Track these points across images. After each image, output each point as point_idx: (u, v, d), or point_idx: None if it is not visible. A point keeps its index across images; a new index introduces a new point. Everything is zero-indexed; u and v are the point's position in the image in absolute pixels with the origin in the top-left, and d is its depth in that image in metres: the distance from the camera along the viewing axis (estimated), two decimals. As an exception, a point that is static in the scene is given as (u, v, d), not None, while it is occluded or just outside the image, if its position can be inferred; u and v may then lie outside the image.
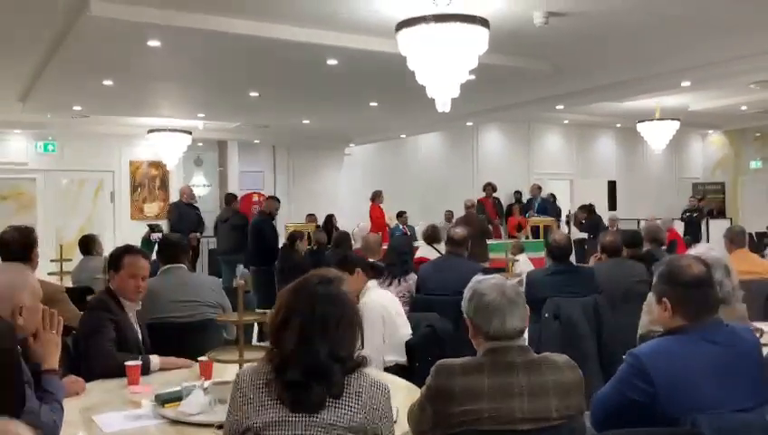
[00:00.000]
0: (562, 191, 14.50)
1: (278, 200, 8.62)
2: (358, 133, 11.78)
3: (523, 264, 7.52)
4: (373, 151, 13.13)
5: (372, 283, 3.41)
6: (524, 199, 12.97)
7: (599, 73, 7.17)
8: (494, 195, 12.43)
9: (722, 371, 1.87)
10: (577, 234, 11.19)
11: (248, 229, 8.32)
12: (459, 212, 9.88)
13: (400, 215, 11.24)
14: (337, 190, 12.88)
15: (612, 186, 14.76)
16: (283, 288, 1.70)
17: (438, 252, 5.96)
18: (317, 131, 11.19)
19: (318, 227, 10.08)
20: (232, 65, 6.15)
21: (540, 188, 12.21)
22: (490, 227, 9.66)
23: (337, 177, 12.94)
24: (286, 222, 10.73)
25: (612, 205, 14.31)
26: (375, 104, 8.59)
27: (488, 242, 8.86)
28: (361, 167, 13.05)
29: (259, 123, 10.44)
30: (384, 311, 3.28)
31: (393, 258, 4.62)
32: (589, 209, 11.08)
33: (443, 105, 4.36)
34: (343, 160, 13.00)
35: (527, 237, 11.02)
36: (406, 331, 3.36)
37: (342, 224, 10.49)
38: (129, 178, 10.84)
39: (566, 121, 13.91)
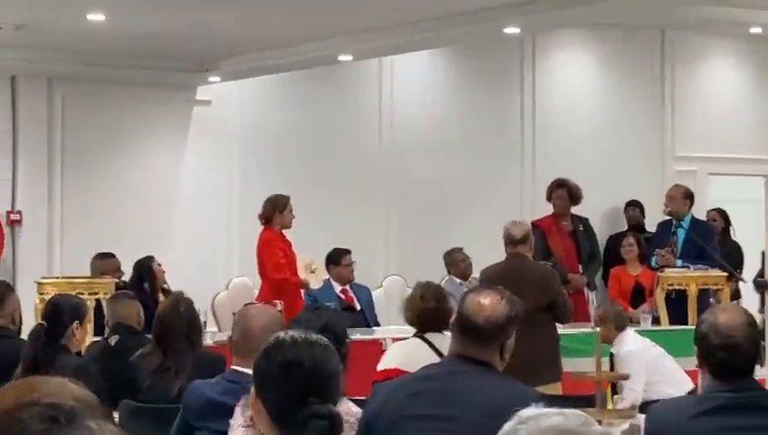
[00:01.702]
0: (746, 205, 14.67)
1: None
2: (229, 48, 11.88)
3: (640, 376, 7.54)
4: (268, 97, 13.27)
5: None
6: (650, 224, 13.15)
7: None
8: (575, 211, 12.54)
9: None
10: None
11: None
12: (487, 254, 9.83)
13: (336, 259, 11.47)
14: (174, 193, 12.97)
15: None
16: None
17: (437, 353, 6.05)
18: (124, 43, 11.27)
19: (122, 285, 10.17)
20: None
21: (690, 195, 12.36)
22: (565, 290, 9.72)
23: (175, 158, 13.05)
24: (41, 275, 10.65)
25: None
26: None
27: (561, 331, 8.98)
28: (240, 135, 13.19)
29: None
30: None
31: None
32: None
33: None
34: (191, 118, 13.15)
35: (655, 317, 11.17)
36: None
37: (182, 279, 10.49)
38: None
39: (755, 30, 14.13)
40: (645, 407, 7.75)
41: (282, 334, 3.46)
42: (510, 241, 8.88)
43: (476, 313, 4.47)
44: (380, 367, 6.64)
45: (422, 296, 6.88)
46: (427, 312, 6.71)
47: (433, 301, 6.75)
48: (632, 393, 8.17)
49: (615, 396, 8.01)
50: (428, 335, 6.59)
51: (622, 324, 8.62)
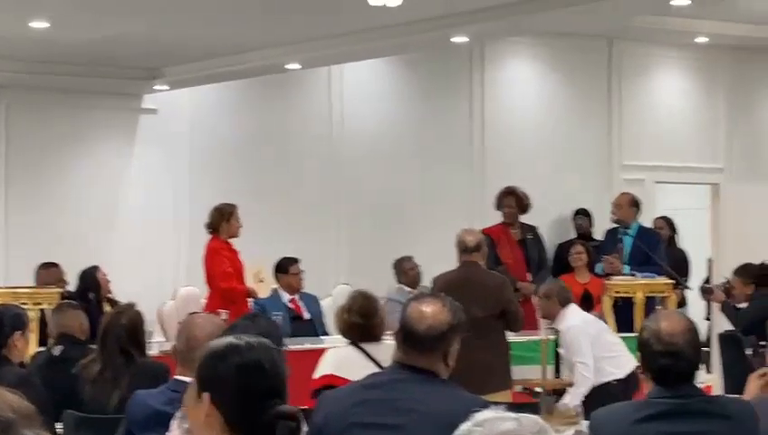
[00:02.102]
0: (693, 213, 14.76)
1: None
2: (176, 57, 11.86)
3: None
4: (216, 105, 13.25)
5: None
6: (598, 232, 13.25)
7: None
8: (523, 219, 12.62)
9: None
10: (723, 323, 11.35)
11: None
12: (438, 262, 9.82)
13: (284, 268, 11.48)
14: (120, 202, 12.94)
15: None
16: None
17: (377, 364, 6.05)
18: (69, 50, 11.24)
19: (67, 295, 10.09)
20: None
21: (636, 203, 12.43)
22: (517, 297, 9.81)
23: (121, 167, 12.99)
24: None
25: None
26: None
27: (511, 339, 8.99)
28: (187, 144, 13.15)
29: None
30: None
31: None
32: (759, 273, 11.19)
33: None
34: (137, 125, 13.09)
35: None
36: None
37: (129, 288, 10.47)
38: None
39: (701, 40, 14.28)
40: (592, 396, 7.86)
41: (234, 339, 3.44)
42: (464, 249, 8.89)
43: (418, 321, 4.46)
44: (316, 375, 6.63)
45: (348, 310, 6.84)
46: (352, 326, 6.71)
47: (357, 316, 6.70)
48: (583, 368, 8.32)
49: (560, 401, 8.03)
50: (362, 344, 6.60)
51: (566, 299, 8.86)
